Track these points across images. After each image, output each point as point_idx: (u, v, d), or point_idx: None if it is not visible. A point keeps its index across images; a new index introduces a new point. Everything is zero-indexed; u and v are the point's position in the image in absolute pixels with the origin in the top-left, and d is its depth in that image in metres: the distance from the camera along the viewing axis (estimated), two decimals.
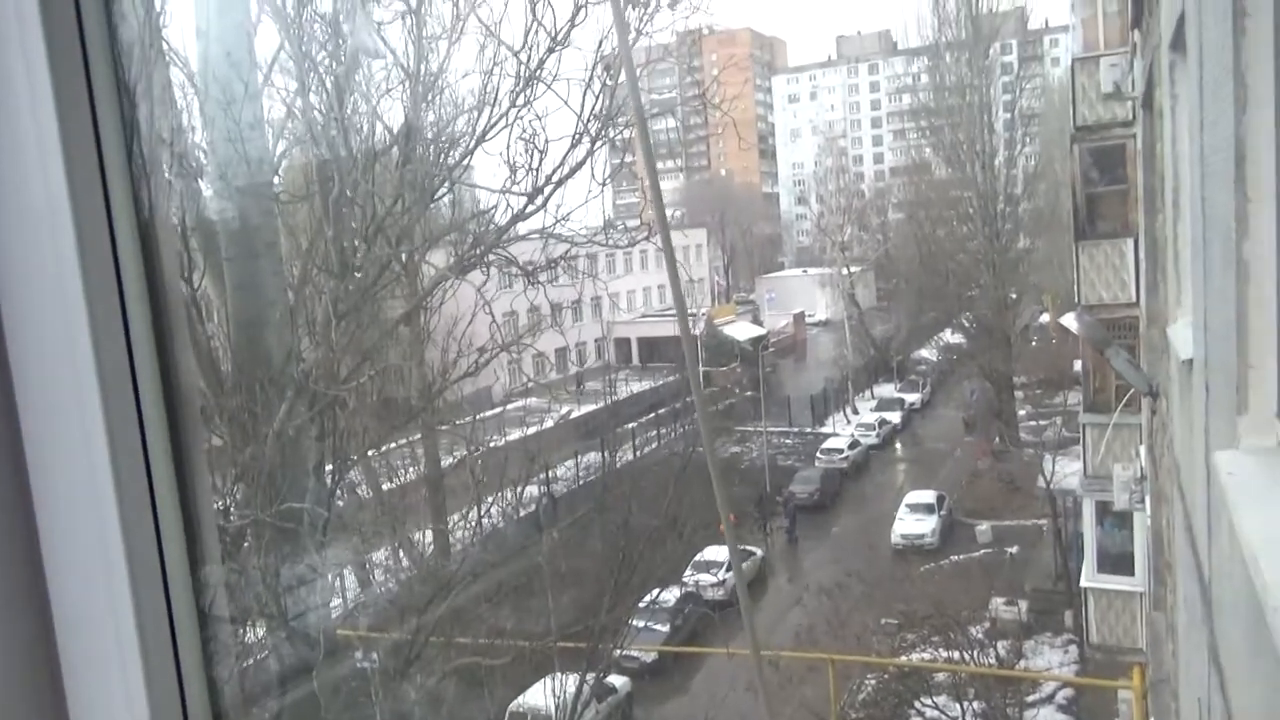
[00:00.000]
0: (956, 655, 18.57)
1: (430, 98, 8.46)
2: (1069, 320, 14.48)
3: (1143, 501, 12.97)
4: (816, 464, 39.02)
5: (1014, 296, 39.80)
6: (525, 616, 10.06)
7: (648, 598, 12.12)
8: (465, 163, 8.56)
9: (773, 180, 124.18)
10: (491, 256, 8.39)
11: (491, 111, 7.79)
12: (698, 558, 25.27)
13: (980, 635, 20.09)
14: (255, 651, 6.49)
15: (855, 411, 48.84)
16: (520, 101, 7.73)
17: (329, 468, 7.08)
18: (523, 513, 9.40)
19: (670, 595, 19.48)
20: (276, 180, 7.86)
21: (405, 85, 8.29)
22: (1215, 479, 3.02)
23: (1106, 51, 16.88)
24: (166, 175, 6.77)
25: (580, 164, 8.12)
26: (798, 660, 17.98)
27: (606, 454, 17.42)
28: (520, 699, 11.21)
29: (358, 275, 7.40)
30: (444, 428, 11.20)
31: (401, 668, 7.42)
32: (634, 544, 9.97)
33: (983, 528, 30.99)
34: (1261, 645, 2.17)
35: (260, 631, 6.45)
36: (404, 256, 8.71)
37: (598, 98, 7.99)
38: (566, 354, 31.43)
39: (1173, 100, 6.30)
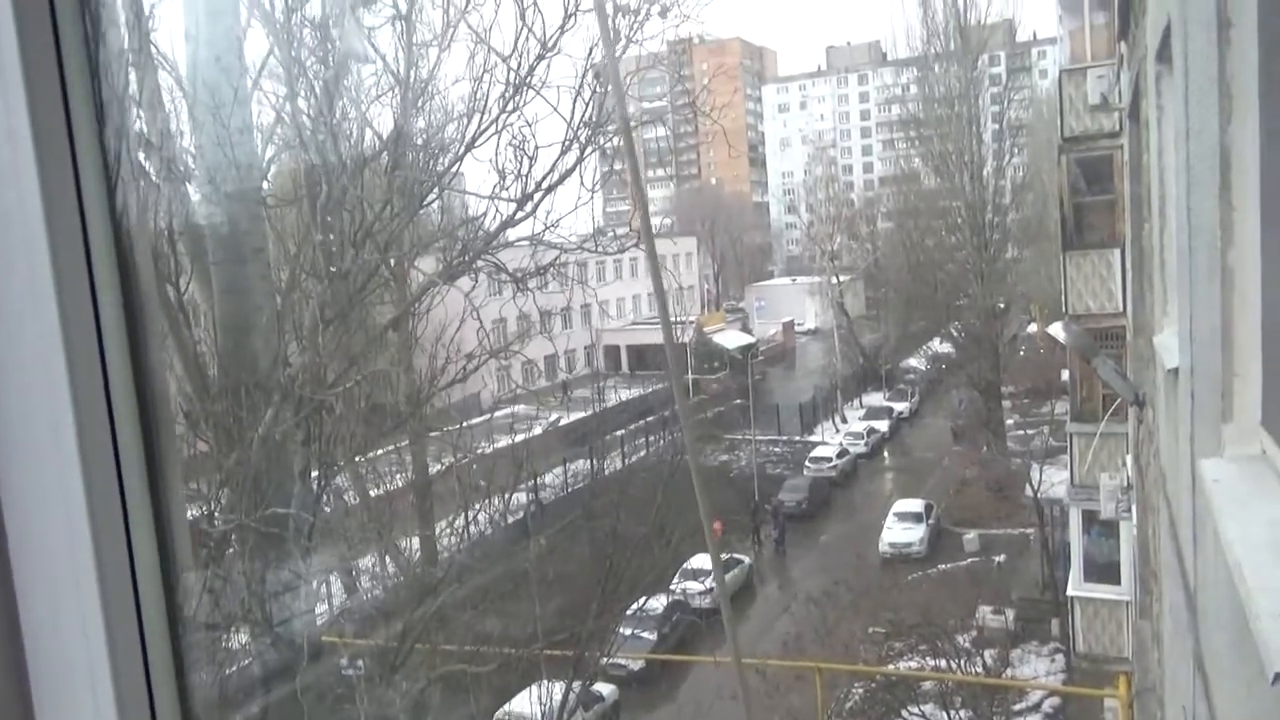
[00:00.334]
0: (944, 664, 18.58)
1: (420, 104, 8.46)
2: (1056, 330, 14.52)
3: (1129, 510, 13.01)
4: (805, 472, 39.04)
5: (1002, 306, 39.93)
6: (512, 623, 10.03)
7: (635, 605, 12.08)
8: (455, 169, 8.55)
9: (763, 189, 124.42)
10: (481, 263, 8.37)
11: (481, 118, 7.79)
12: (686, 565, 25.22)
13: (967, 644, 20.12)
14: (238, 658, 6.45)
15: (844, 420, 48.94)
16: (510, 108, 7.72)
17: (315, 473, 7.05)
18: (510, 520, 9.37)
19: (658, 603, 19.42)
20: (266, 185, 7.84)
21: (395, 91, 8.28)
22: (1200, 487, 3.02)
23: (1094, 63, 16.97)
24: (154, 179, 6.75)
25: (570, 171, 8.11)
26: (785, 668, 17.95)
27: (594, 461, 17.40)
28: (507, 706, 11.17)
29: (346, 280, 7.37)
30: (433, 434, 11.18)
31: (386, 674, 7.38)
32: (621, 551, 9.95)
33: (970, 536, 31.05)
34: (1246, 653, 2.17)
35: (243, 638, 6.41)
36: (393, 262, 8.69)
37: (588, 105, 8.00)
38: (556, 361, 31.36)
39: (1159, 111, 6.34)
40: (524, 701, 10.41)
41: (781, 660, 19.29)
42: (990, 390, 36.60)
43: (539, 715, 9.84)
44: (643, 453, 31.93)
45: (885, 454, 44.88)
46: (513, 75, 7.70)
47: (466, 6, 8.04)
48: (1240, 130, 2.62)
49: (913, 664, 19.23)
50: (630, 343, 54.62)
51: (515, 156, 7.68)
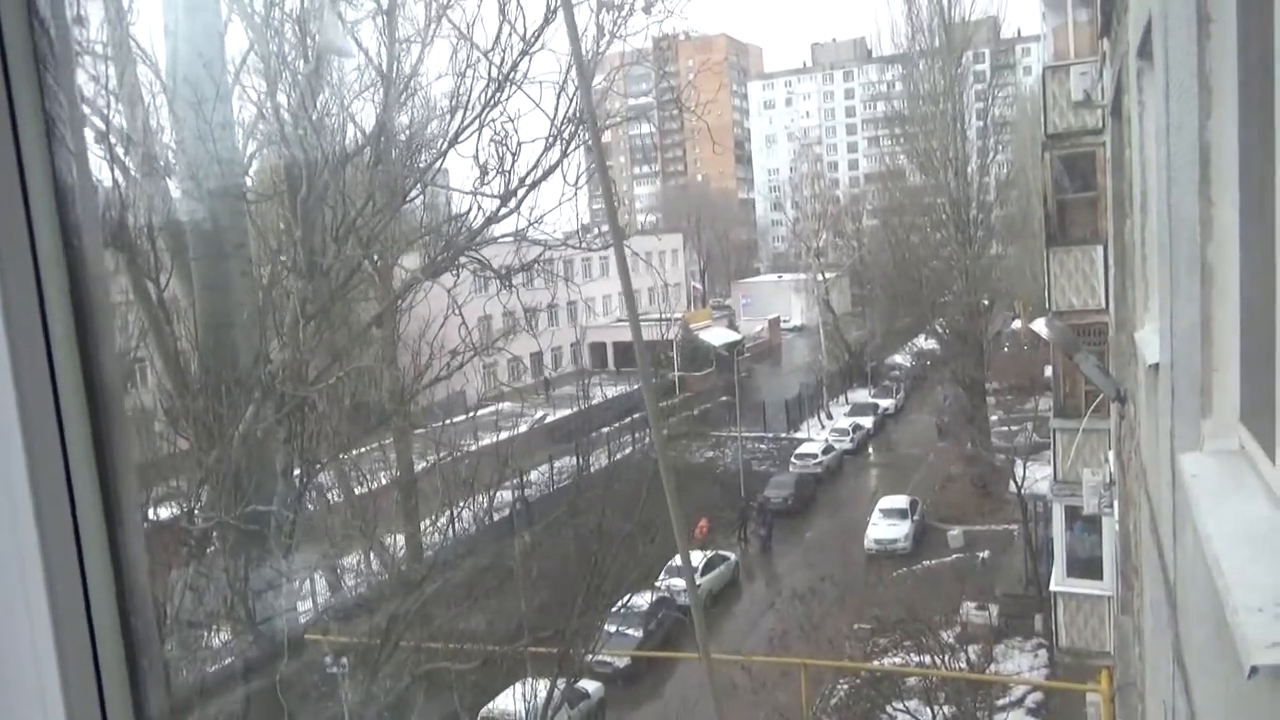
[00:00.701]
0: (928, 659, 18.64)
1: (403, 99, 8.40)
2: (1040, 326, 14.60)
3: (1111, 506, 13.08)
4: (791, 469, 39.17)
5: (986, 302, 40.08)
6: (497, 620, 9.99)
7: (620, 602, 12.07)
8: (438, 165, 8.50)
9: (749, 186, 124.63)
10: (464, 259, 8.32)
11: (465, 114, 7.73)
12: (671, 562, 25.23)
13: (951, 640, 20.17)
14: (219, 656, 6.41)
15: (829, 417, 49.10)
16: (493, 103, 7.67)
17: (297, 471, 7.00)
18: (496, 517, 9.33)
19: (643, 600, 19.42)
20: (247, 181, 7.78)
21: (378, 86, 8.22)
22: (1180, 481, 3.03)
23: (1077, 60, 17.06)
24: (134, 174, 6.68)
25: (554, 167, 8.08)
26: (771, 665, 17.99)
27: (580, 458, 17.37)
28: (491, 704, 11.14)
29: (328, 277, 7.32)
30: (418, 431, 11.13)
31: (370, 672, 7.35)
32: (607, 548, 9.92)
33: (955, 533, 31.19)
34: (1224, 647, 2.18)
35: (224, 635, 6.37)
36: (376, 258, 8.64)
37: (571, 100, 7.96)
38: (541, 358, 31.30)
39: (1140, 107, 6.36)
40: (508, 699, 10.38)
41: (767, 656, 19.35)
42: (975, 386, 36.74)
43: (523, 713, 9.81)
44: (628, 450, 31.92)
45: (870, 450, 45.05)
46: (495, 70, 7.66)
47: (448, 2, 7.99)
48: (1219, 125, 2.62)
49: (897, 660, 19.29)
50: (616, 340, 54.60)
51: (498, 152, 7.64)
